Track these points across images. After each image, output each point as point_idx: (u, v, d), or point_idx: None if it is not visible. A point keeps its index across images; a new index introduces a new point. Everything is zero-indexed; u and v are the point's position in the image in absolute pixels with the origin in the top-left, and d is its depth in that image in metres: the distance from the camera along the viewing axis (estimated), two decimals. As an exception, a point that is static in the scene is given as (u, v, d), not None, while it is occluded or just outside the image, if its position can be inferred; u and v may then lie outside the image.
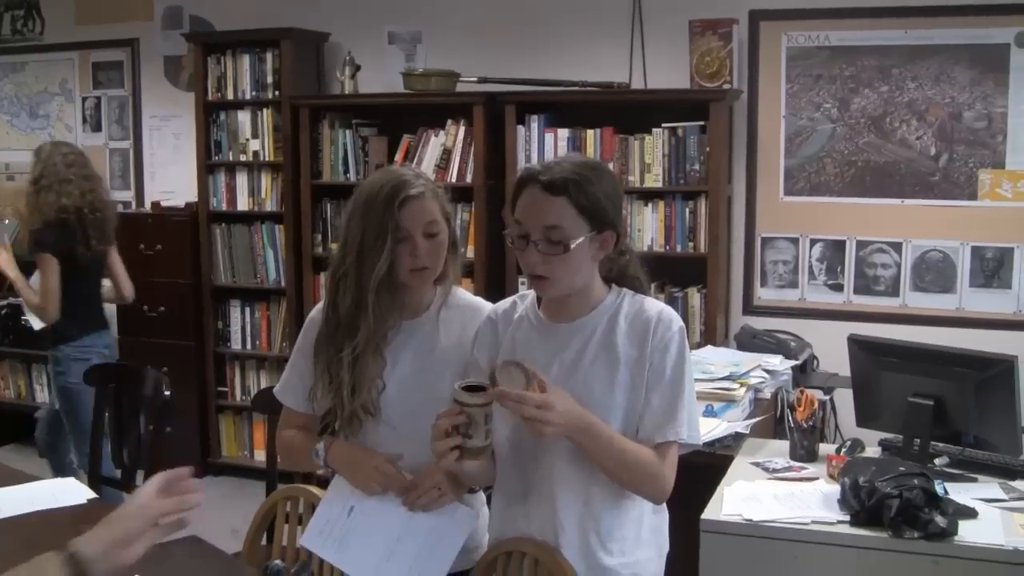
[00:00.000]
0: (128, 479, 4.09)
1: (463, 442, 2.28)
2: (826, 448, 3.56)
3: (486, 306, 2.73)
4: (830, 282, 5.49)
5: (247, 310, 6.48)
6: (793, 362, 4.53)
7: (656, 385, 2.43)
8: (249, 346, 6.49)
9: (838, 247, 5.46)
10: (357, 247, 2.61)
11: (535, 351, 2.49)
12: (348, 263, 2.62)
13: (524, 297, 2.59)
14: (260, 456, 6.34)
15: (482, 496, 2.73)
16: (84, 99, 7.20)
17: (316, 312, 2.76)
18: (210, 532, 2.98)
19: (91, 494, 3.36)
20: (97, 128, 7.17)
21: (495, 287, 5.32)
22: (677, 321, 2.47)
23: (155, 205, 6.66)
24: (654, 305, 2.50)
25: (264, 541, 2.97)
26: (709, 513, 3.05)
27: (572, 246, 2.36)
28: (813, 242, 5.50)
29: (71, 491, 3.33)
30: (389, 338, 2.67)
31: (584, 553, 2.46)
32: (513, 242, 2.44)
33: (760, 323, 5.37)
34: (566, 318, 2.49)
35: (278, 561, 1.93)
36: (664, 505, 2.57)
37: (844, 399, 4.62)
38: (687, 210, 5.36)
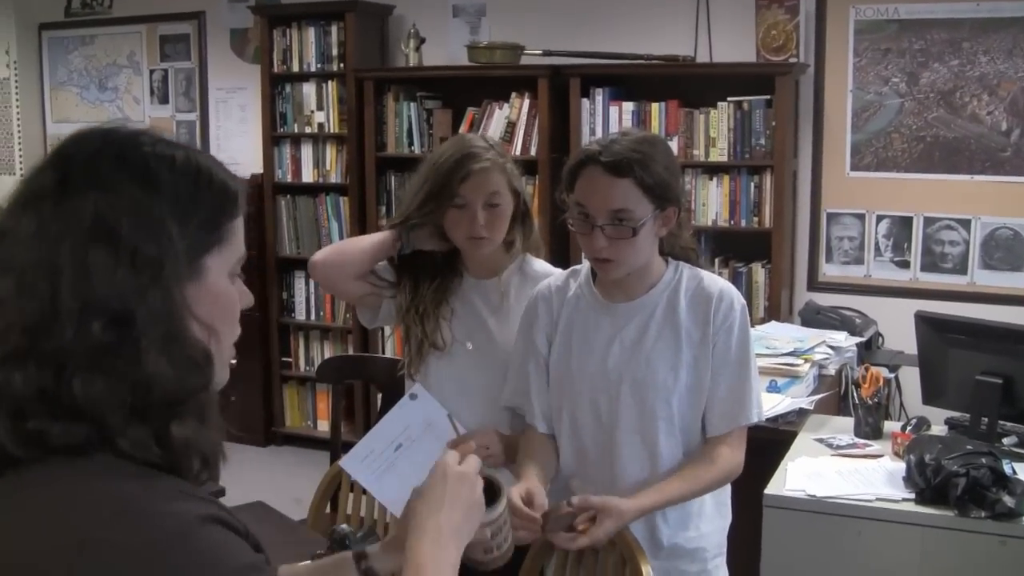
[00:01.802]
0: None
1: (495, 552, 2.06)
2: (891, 426, 3.54)
3: (555, 271, 2.75)
4: (896, 259, 5.42)
5: (311, 281, 6.48)
6: (858, 339, 4.50)
7: (723, 369, 2.44)
8: (313, 317, 6.54)
9: (905, 224, 5.40)
10: (418, 204, 2.65)
11: (593, 330, 2.50)
12: (409, 214, 2.68)
13: (577, 273, 2.59)
14: (323, 426, 6.42)
15: None
16: (152, 72, 7.27)
17: None
18: (274, 501, 3.05)
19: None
20: (164, 100, 7.24)
21: (559, 259, 5.20)
22: (739, 299, 2.48)
23: (221, 176, 6.70)
24: (714, 281, 2.50)
25: (328, 510, 3.01)
26: (772, 488, 3.04)
27: (640, 228, 2.35)
28: (879, 218, 5.44)
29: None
30: (457, 291, 2.74)
31: (647, 525, 2.48)
32: (574, 225, 2.42)
33: (825, 300, 5.33)
34: (624, 296, 2.49)
35: (344, 526, 1.95)
36: (729, 482, 2.58)
37: (909, 377, 4.59)
38: (752, 185, 5.32)
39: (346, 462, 2.66)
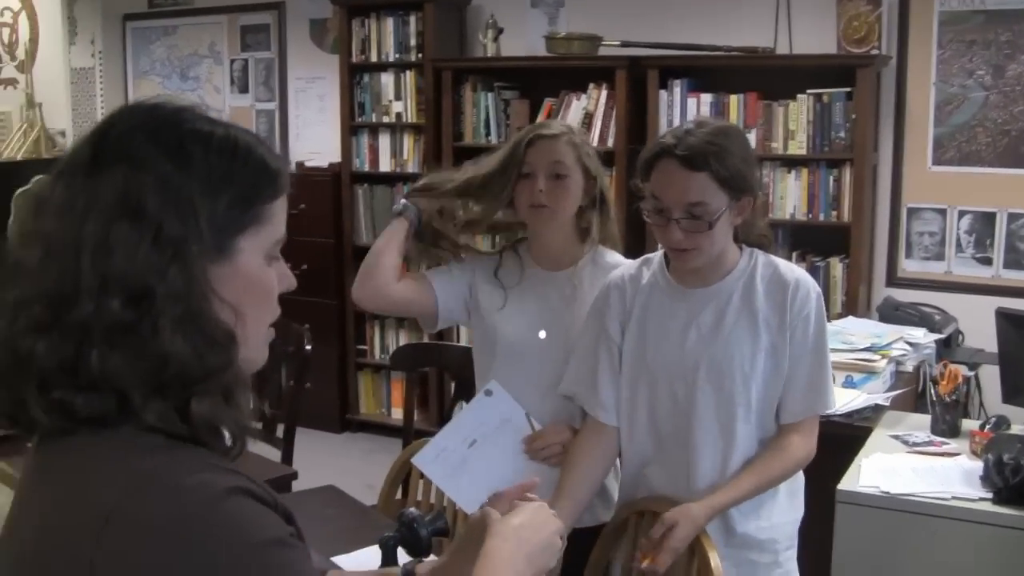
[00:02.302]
0: (268, 431, 4.20)
1: None
2: (969, 424, 3.49)
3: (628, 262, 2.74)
4: (978, 255, 5.33)
5: (387, 270, 6.54)
6: (937, 336, 4.43)
7: (802, 357, 2.44)
8: (389, 305, 6.55)
9: (988, 219, 5.30)
10: (488, 173, 2.68)
11: (669, 318, 2.50)
12: (477, 186, 2.70)
13: (650, 261, 2.58)
14: (397, 414, 6.46)
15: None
16: (232, 61, 7.37)
17: None
18: (347, 486, 3.08)
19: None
20: (244, 90, 7.34)
21: (636, 250, 5.22)
22: (815, 287, 2.47)
23: (299, 165, 6.81)
24: (790, 269, 2.50)
25: (399, 495, 3.03)
26: (846, 484, 3.02)
27: (716, 221, 2.34)
28: (962, 213, 5.34)
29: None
30: (527, 282, 2.74)
31: (720, 516, 2.47)
32: (649, 217, 2.41)
33: (904, 295, 5.26)
34: (700, 283, 2.48)
35: (412, 509, 1.96)
36: (800, 471, 2.56)
37: (990, 376, 4.52)
38: (831, 178, 5.26)
39: (419, 459, 2.66)
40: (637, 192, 2.49)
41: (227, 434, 1.22)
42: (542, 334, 2.71)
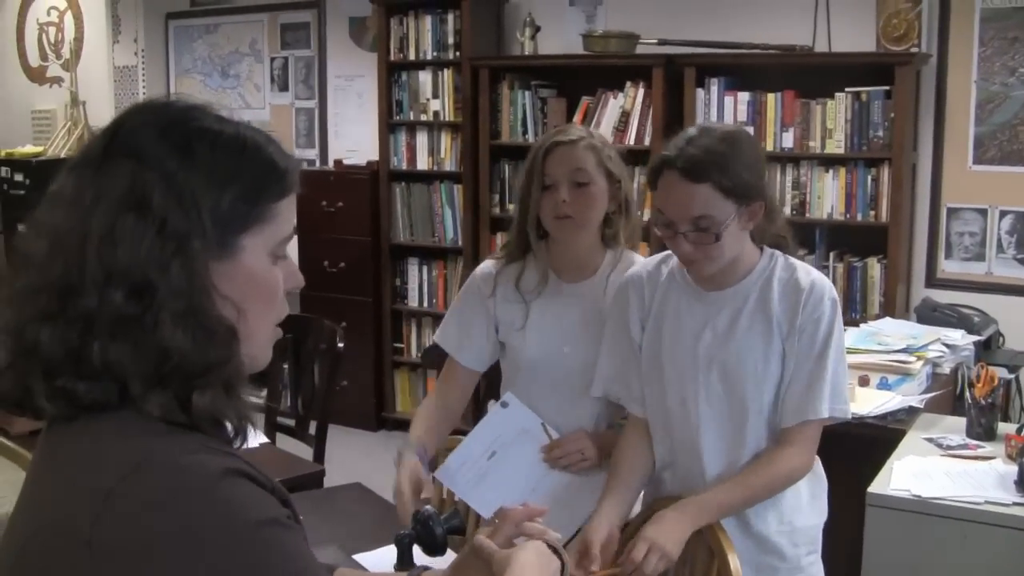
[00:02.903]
0: (301, 429, 4.22)
1: None
2: (1006, 427, 3.43)
3: None
4: (1020, 256, 5.25)
5: (424, 268, 6.58)
6: (976, 337, 4.37)
7: (802, 361, 2.39)
8: (426, 304, 6.59)
9: (1030, 219, 5.22)
10: (519, 195, 2.67)
11: (686, 317, 2.47)
12: (514, 211, 2.71)
13: (669, 259, 2.54)
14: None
15: None
16: (272, 59, 7.41)
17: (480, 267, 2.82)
18: (380, 485, 3.08)
19: (264, 439, 3.48)
20: (284, 88, 7.37)
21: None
22: (830, 292, 2.42)
23: (338, 163, 6.83)
24: (807, 273, 2.44)
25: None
26: (876, 487, 2.98)
27: (723, 232, 2.30)
28: (1003, 213, 5.26)
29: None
30: (549, 295, 2.69)
31: (739, 518, 2.44)
32: (658, 229, 2.37)
33: (943, 296, 5.19)
34: (717, 284, 2.44)
35: (428, 507, 1.96)
36: (822, 472, 2.55)
37: (1030, 378, 4.46)
38: (869, 178, 5.20)
39: (440, 473, 2.65)
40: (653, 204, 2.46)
41: (229, 425, 1.24)
42: (566, 349, 2.67)
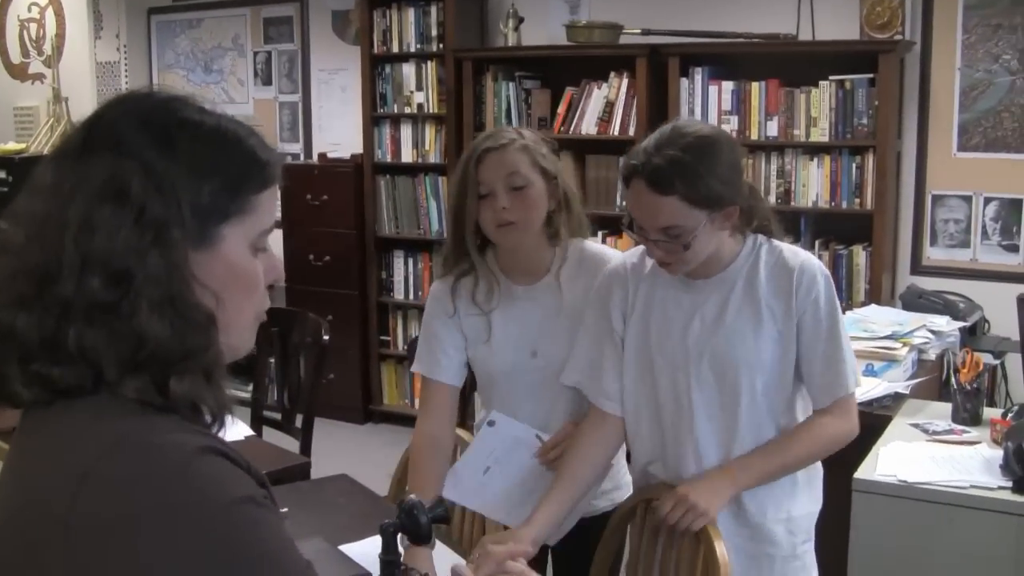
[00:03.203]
0: (288, 422, 4.20)
1: None
2: (991, 412, 3.44)
3: (613, 255, 2.69)
4: (1005, 243, 5.26)
5: (410, 261, 6.57)
6: (961, 324, 4.38)
7: (815, 343, 2.39)
8: (412, 296, 6.58)
9: (1014, 206, 5.22)
10: (453, 208, 2.62)
11: (672, 308, 2.45)
12: (447, 225, 2.67)
13: None
14: (420, 405, 6.46)
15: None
16: (255, 54, 7.38)
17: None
18: (368, 477, 3.09)
19: (249, 432, 3.46)
20: (267, 82, 7.34)
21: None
22: (821, 270, 2.41)
23: (322, 156, 6.80)
24: (794, 254, 2.42)
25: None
26: (862, 472, 2.98)
27: (692, 240, 2.27)
28: (987, 200, 5.27)
29: (228, 427, 3.45)
30: (507, 302, 2.66)
31: (735, 507, 2.44)
32: (631, 233, 2.37)
33: (928, 284, 5.20)
34: (702, 273, 2.42)
35: (413, 496, 1.96)
36: (819, 462, 2.53)
37: (1016, 365, 4.46)
38: (854, 165, 5.20)
39: (444, 492, 2.59)
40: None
41: (207, 412, 1.24)
42: (535, 355, 2.65)
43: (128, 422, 1.17)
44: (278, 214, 1.31)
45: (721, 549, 2.33)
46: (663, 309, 2.46)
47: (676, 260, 2.32)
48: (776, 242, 2.46)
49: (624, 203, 2.43)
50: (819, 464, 2.55)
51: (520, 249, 2.63)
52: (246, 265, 1.27)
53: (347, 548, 2.41)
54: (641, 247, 2.50)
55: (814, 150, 5.29)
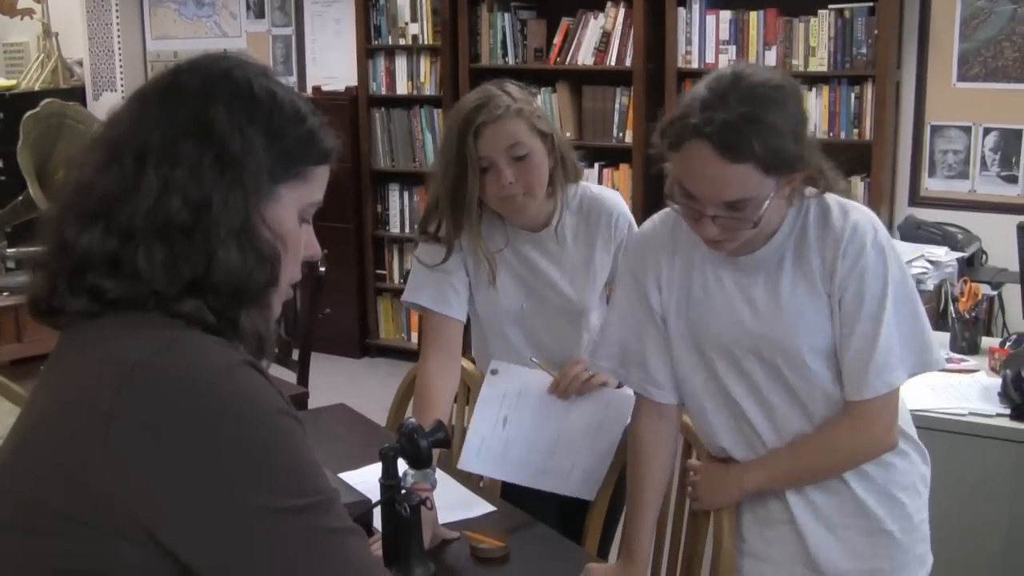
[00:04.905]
0: (284, 355, 4.19)
1: None
2: (989, 342, 3.44)
3: (612, 199, 2.63)
4: (1004, 173, 5.23)
5: (406, 194, 6.55)
6: (959, 254, 4.38)
7: (850, 327, 2.00)
8: (407, 229, 6.54)
9: (1014, 137, 5.18)
10: (448, 182, 2.50)
11: (715, 288, 2.11)
12: (442, 200, 2.53)
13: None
14: (416, 338, 6.43)
15: None
16: (248, -15, 7.29)
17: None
18: (365, 410, 3.07)
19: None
20: (260, 15, 7.24)
21: (654, 175, 5.20)
22: (873, 234, 1.98)
23: (316, 90, 6.74)
24: (843, 213, 2.02)
25: (409, 413, 3.01)
26: (860, 401, 2.96)
27: (763, 214, 1.92)
28: (987, 131, 5.23)
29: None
30: (510, 249, 2.61)
31: (804, 553, 2.15)
32: (678, 208, 2.00)
33: (927, 215, 5.18)
34: (745, 249, 2.04)
35: (412, 419, 1.95)
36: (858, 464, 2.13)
37: (1013, 296, 4.45)
38: (853, 96, 5.16)
39: (464, 463, 2.55)
40: (656, 157, 2.04)
41: (251, 344, 1.30)
42: (523, 306, 2.61)
43: (178, 331, 1.23)
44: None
45: (728, 544, 2.19)
46: (704, 288, 2.12)
47: (733, 239, 1.97)
48: (826, 197, 2.05)
49: (651, 148, 2.02)
50: (923, 507, 2.18)
51: (526, 214, 2.57)
52: (294, 231, 1.35)
53: (347, 476, 2.39)
54: (668, 214, 2.18)
55: (813, 80, 5.23)
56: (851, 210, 2.02)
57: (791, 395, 2.06)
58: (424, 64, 6.35)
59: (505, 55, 6.00)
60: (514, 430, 2.55)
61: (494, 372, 2.57)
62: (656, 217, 2.22)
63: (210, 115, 1.27)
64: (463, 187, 2.46)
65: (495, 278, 2.60)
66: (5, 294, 3.81)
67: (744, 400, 2.10)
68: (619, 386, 2.52)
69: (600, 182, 5.65)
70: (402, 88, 6.44)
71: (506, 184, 2.44)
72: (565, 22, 5.82)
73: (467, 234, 2.56)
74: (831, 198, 2.04)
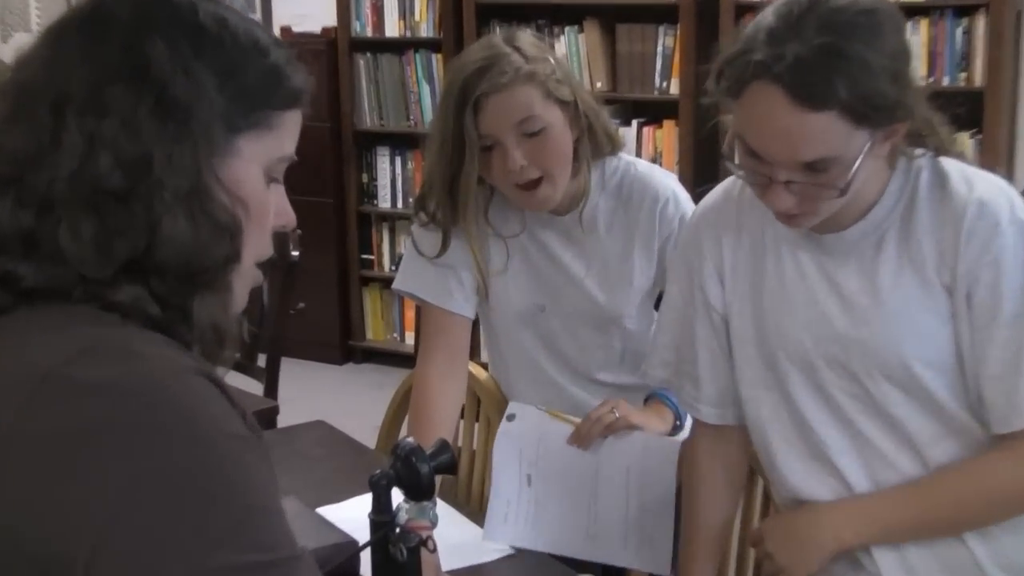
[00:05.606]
0: (249, 359, 4.13)
1: None
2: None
3: (662, 180, 2.59)
4: None
5: (397, 159, 6.55)
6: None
7: (989, 331, 1.89)
8: (400, 204, 6.56)
9: None
10: (444, 163, 2.47)
11: (792, 276, 2.03)
12: (436, 183, 2.52)
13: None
14: (412, 339, 6.40)
15: None
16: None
17: None
18: (350, 428, 3.09)
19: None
20: (220, -63, 7.22)
21: (708, 134, 5.09)
22: (1009, 209, 1.88)
23: (285, 32, 6.72)
24: (966, 183, 1.91)
25: (404, 432, 2.97)
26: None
27: (851, 175, 1.81)
28: None
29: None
30: (530, 241, 2.61)
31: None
32: (741, 172, 1.95)
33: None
34: (834, 225, 1.95)
35: (411, 439, 1.89)
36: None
37: None
38: (960, 30, 5.10)
39: (488, 535, 2.51)
40: (711, 109, 1.98)
41: (208, 339, 1.27)
42: (542, 306, 2.62)
43: (108, 330, 1.19)
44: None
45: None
46: (779, 277, 2.04)
47: (814, 209, 1.88)
48: (942, 161, 1.95)
49: (704, 97, 1.95)
50: None
51: (547, 207, 2.52)
52: (258, 192, 1.31)
53: (327, 511, 2.40)
54: (733, 184, 2.13)
55: (909, 11, 5.12)
56: (977, 179, 1.92)
57: (892, 426, 1.98)
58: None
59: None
60: (542, 488, 2.53)
61: (510, 418, 2.57)
62: (718, 189, 2.17)
63: (145, 50, 1.23)
64: (462, 171, 2.45)
65: (507, 267, 2.62)
66: None
67: (825, 430, 2.03)
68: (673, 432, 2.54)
69: (639, 144, 5.65)
70: (392, 29, 6.44)
71: (516, 168, 2.40)
72: (592, -52, 5.80)
73: (471, 222, 2.55)
74: (949, 162, 1.95)
